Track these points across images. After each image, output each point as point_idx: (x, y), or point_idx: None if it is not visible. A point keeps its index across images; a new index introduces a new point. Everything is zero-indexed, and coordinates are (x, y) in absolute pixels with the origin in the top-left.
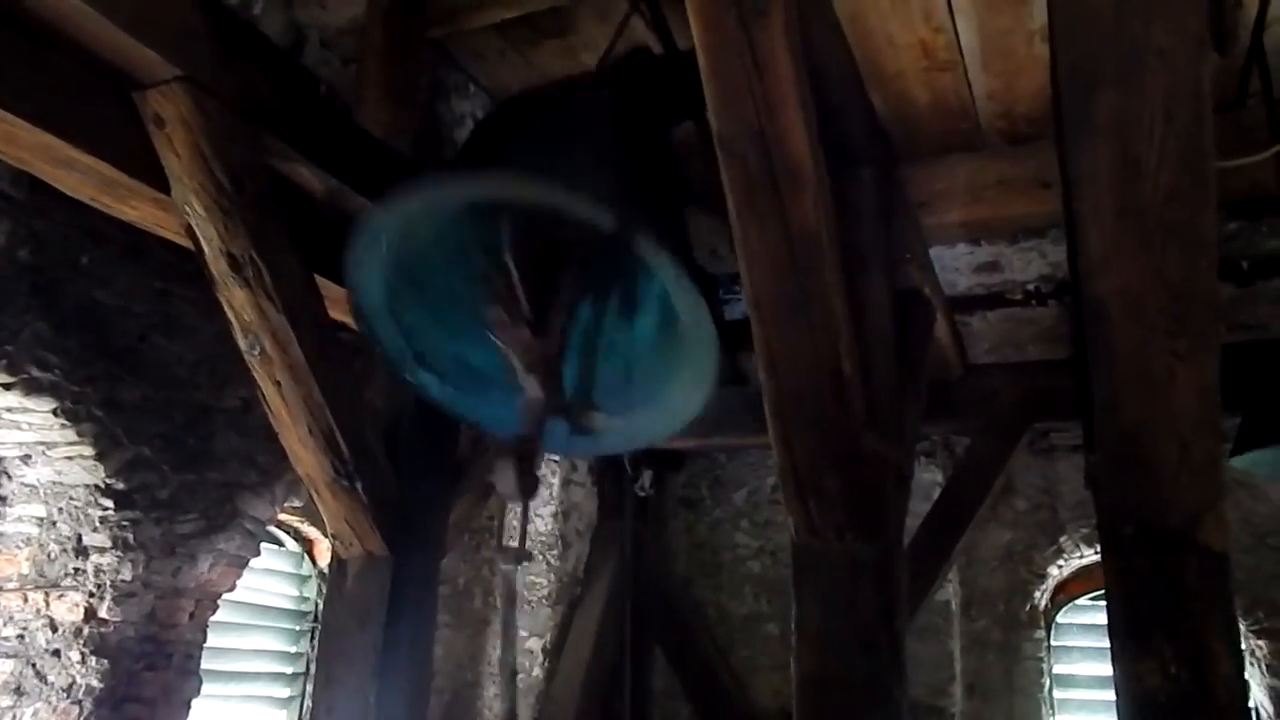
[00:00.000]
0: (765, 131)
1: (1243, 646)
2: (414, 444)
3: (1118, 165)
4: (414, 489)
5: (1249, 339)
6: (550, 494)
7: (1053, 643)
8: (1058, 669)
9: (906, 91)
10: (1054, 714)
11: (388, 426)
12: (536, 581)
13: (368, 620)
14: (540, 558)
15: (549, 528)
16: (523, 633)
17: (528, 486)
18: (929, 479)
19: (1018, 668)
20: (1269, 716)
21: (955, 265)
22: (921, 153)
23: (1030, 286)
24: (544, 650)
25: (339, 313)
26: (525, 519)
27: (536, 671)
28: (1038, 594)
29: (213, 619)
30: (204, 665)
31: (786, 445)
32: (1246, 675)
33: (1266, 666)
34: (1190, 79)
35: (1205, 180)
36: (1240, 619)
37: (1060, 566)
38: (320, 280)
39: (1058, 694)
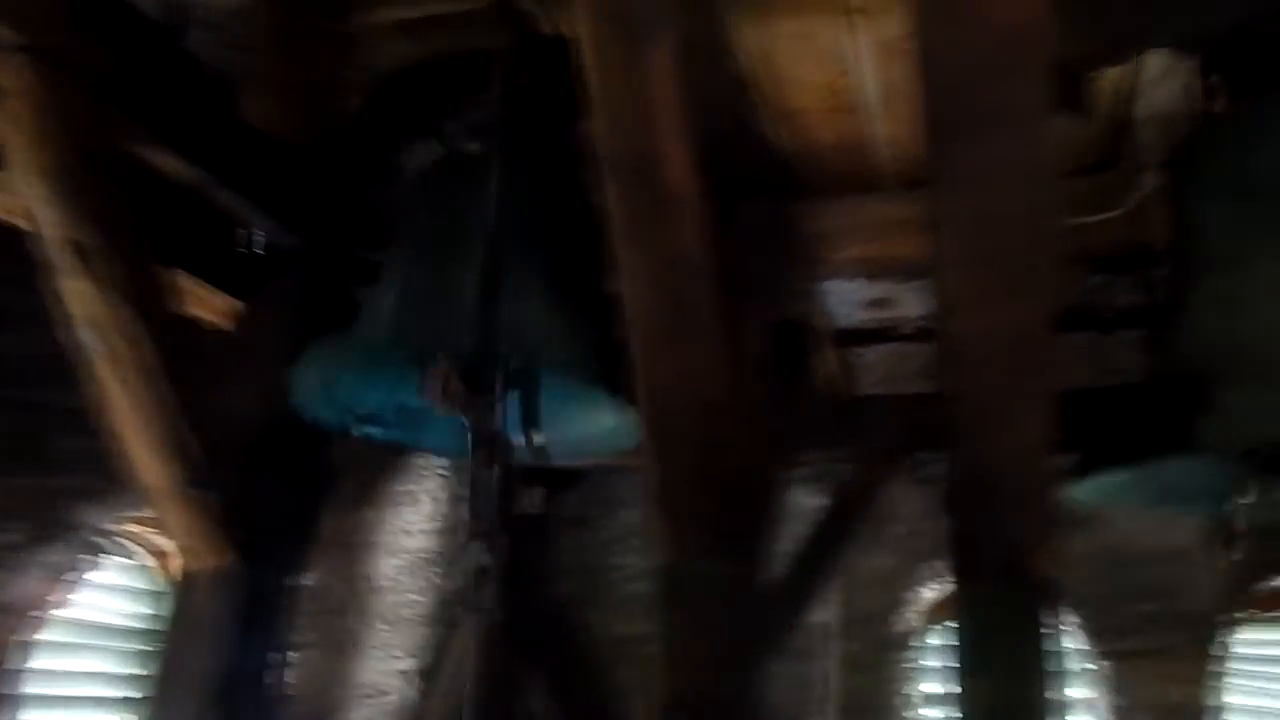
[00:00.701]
0: (649, 157)
1: (1092, 666)
2: (278, 452)
3: (974, 215)
4: (275, 499)
5: (1106, 384)
6: (434, 509)
7: (922, 664)
8: (926, 689)
9: (812, 130)
10: None
11: (248, 432)
12: (413, 600)
13: (211, 638)
14: (419, 575)
15: (429, 544)
16: (395, 652)
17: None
18: (813, 504)
19: (889, 688)
20: None
21: (850, 299)
22: (824, 189)
23: (919, 323)
24: (418, 671)
25: (202, 310)
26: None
27: (409, 693)
28: (911, 616)
29: (42, 638)
30: (30, 689)
31: (662, 466)
32: (1094, 694)
33: (1108, 684)
34: (1039, 141)
35: (1051, 233)
36: (1089, 641)
37: (933, 590)
38: (184, 277)
39: (926, 713)
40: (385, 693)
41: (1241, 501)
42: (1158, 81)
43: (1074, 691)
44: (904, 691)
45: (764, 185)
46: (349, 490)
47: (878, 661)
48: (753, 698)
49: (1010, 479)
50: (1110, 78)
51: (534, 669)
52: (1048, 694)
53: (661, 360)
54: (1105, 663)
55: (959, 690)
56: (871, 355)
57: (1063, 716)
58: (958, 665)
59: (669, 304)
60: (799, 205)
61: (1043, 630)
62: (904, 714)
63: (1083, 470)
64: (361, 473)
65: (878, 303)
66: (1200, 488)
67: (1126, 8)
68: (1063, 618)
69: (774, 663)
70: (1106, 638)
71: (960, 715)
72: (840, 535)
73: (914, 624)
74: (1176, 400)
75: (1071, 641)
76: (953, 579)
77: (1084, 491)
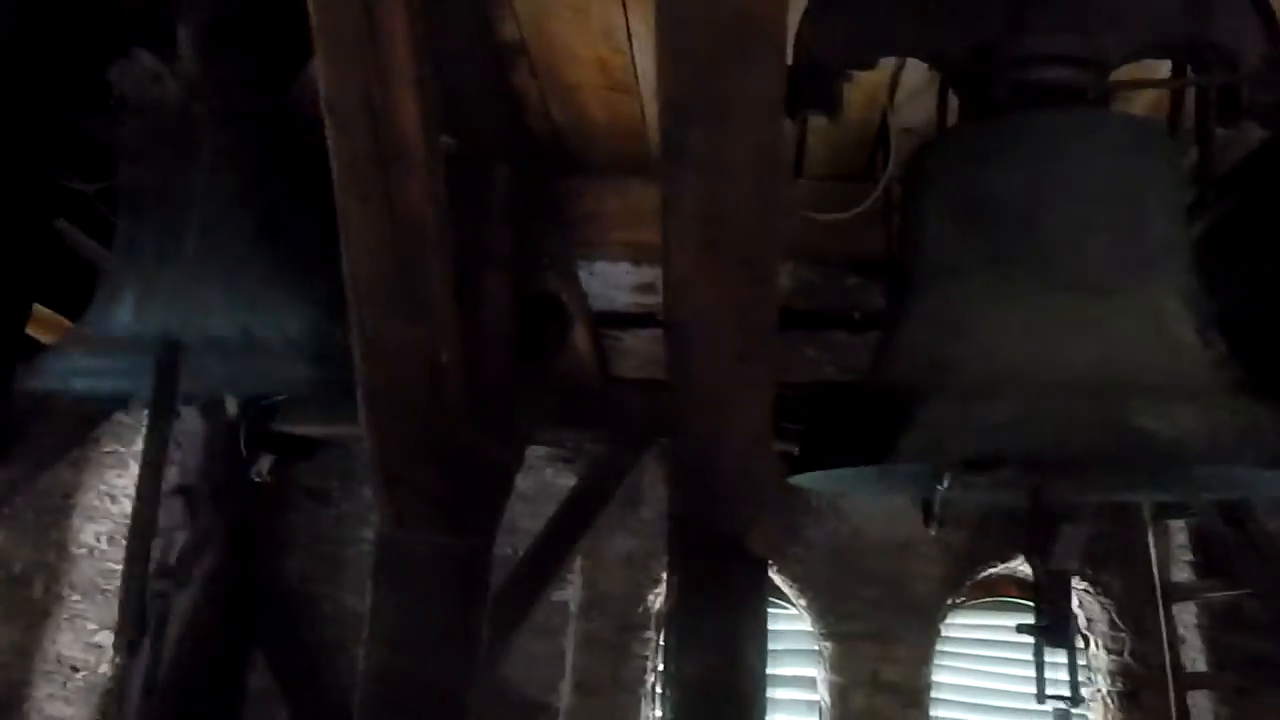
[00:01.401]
0: (376, 105)
1: (815, 648)
2: None
3: (703, 200)
4: None
5: (849, 379)
6: None
7: (661, 642)
8: (665, 667)
9: (586, 106)
10: (654, 709)
11: None
12: (116, 569)
13: None
14: (123, 543)
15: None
16: (90, 625)
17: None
18: (563, 484)
19: (626, 666)
20: (827, 708)
21: (617, 283)
22: (597, 168)
23: None
24: (116, 646)
25: None
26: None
27: (104, 668)
28: (651, 597)
29: None
30: None
31: (377, 433)
32: (815, 673)
33: (830, 665)
34: (770, 132)
35: (775, 225)
36: (814, 623)
37: None
38: None
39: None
40: (77, 669)
41: (941, 490)
42: (915, 94)
43: (797, 670)
44: (644, 672)
45: (532, 158)
46: (43, 448)
47: (618, 642)
48: (463, 677)
49: (729, 462)
50: (868, 86)
51: (254, 645)
52: (757, 671)
53: (382, 324)
54: (828, 644)
55: (670, 666)
56: (631, 340)
57: (765, 691)
58: (666, 640)
59: (391, 265)
60: (568, 183)
61: (755, 610)
62: (639, 691)
63: (803, 462)
64: (59, 430)
65: (643, 288)
66: (914, 475)
67: (876, 12)
68: (793, 600)
69: (506, 640)
70: (829, 620)
71: (667, 686)
72: (586, 516)
73: (654, 604)
74: (882, 411)
75: (800, 623)
76: (668, 557)
77: (807, 480)
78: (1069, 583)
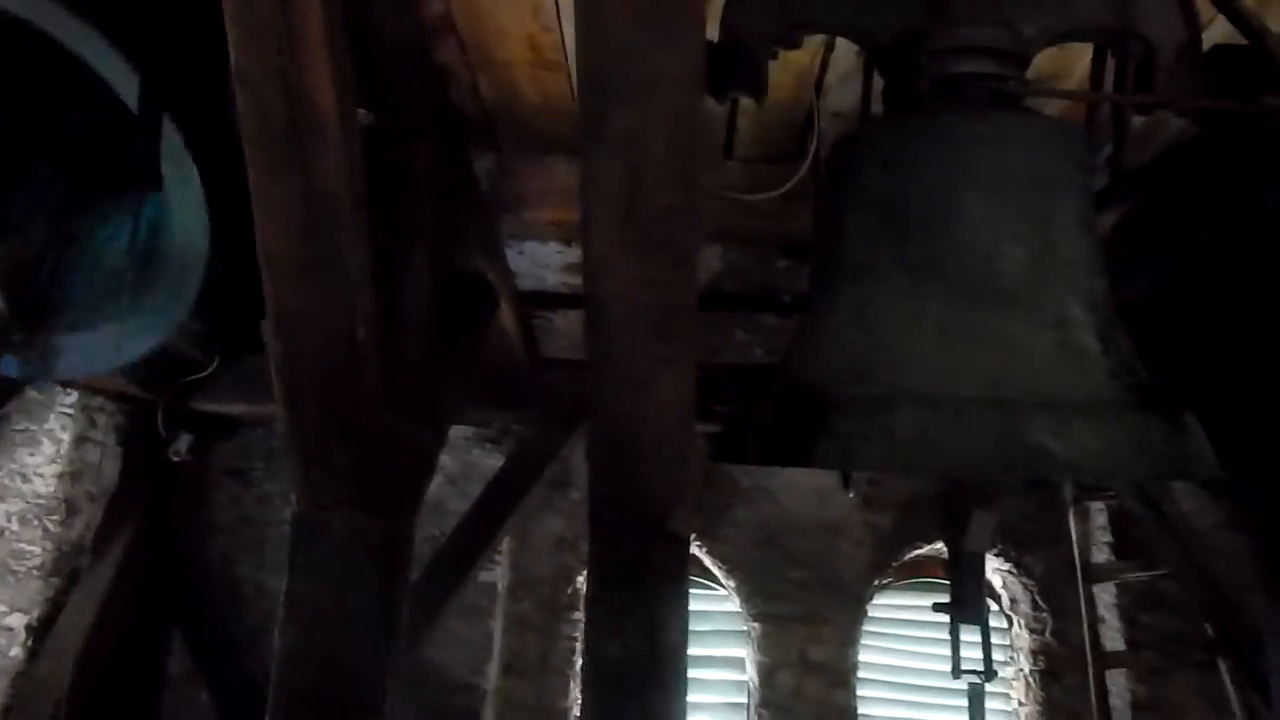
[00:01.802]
0: (288, 74)
1: (744, 628)
2: None
3: (623, 177)
4: None
5: (774, 360)
6: (57, 451)
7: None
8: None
9: (516, 84)
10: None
11: None
12: (28, 550)
13: None
14: (36, 523)
15: (50, 490)
16: (1, 607)
17: None
18: (491, 465)
19: (554, 647)
20: (754, 689)
21: (547, 262)
22: (528, 147)
23: None
24: (28, 628)
25: None
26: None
27: (16, 651)
28: (580, 578)
29: None
30: None
31: (293, 411)
32: (743, 654)
33: (758, 646)
34: (690, 111)
35: (695, 204)
36: (742, 604)
37: None
38: None
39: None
40: None
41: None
42: (847, 78)
43: (726, 650)
44: (572, 654)
45: (459, 135)
46: None
47: (547, 624)
48: (380, 659)
49: (649, 441)
50: (798, 68)
51: (173, 628)
52: (678, 650)
53: (294, 299)
54: (756, 625)
55: (590, 645)
56: (560, 320)
57: (685, 669)
58: (591, 621)
59: (305, 240)
60: (499, 161)
61: (677, 589)
62: (566, 672)
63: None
64: None
65: (572, 268)
66: None
67: None
68: (722, 581)
69: (431, 622)
70: (757, 601)
71: (585, 665)
72: (513, 497)
73: (582, 586)
74: (799, 412)
75: (728, 604)
76: (589, 537)
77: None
78: (983, 562)
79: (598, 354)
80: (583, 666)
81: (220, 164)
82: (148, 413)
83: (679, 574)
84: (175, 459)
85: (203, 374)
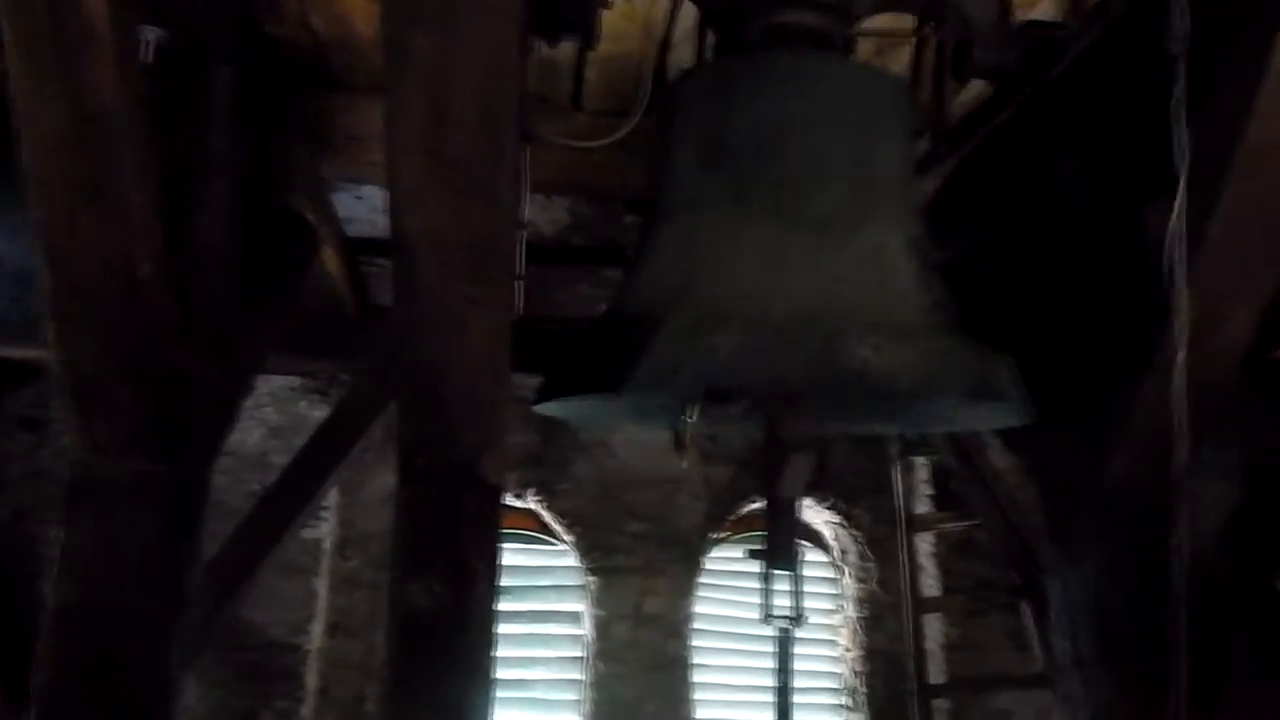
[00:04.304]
0: None
1: (582, 582)
2: None
3: (428, 109)
4: None
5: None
6: None
7: None
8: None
9: (349, 19)
10: None
11: None
12: None
13: None
14: None
15: None
16: None
17: None
18: (318, 417)
19: (384, 606)
20: (591, 641)
21: (379, 207)
22: (361, 87)
23: None
24: None
25: None
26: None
27: None
28: None
29: None
30: None
31: (66, 350)
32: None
33: (594, 599)
34: (501, 45)
35: (506, 142)
36: (580, 558)
37: None
38: None
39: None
40: None
41: (687, 419)
42: (691, 35)
43: (564, 605)
44: None
45: (229, 53)
46: None
47: (377, 581)
48: (174, 611)
49: (459, 387)
50: (645, 21)
51: None
52: (487, 601)
53: (68, 227)
54: (593, 579)
55: (391, 593)
56: None
57: (494, 620)
58: (392, 570)
59: (76, 161)
60: (330, 99)
61: (487, 538)
62: None
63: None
64: None
65: None
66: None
67: None
68: (562, 536)
69: (248, 578)
70: (595, 556)
71: (391, 617)
72: (339, 450)
73: None
74: (620, 340)
75: (567, 559)
76: (397, 484)
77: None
78: (794, 508)
79: (404, 294)
80: (388, 618)
81: None
82: None
83: (490, 522)
84: None
85: None
